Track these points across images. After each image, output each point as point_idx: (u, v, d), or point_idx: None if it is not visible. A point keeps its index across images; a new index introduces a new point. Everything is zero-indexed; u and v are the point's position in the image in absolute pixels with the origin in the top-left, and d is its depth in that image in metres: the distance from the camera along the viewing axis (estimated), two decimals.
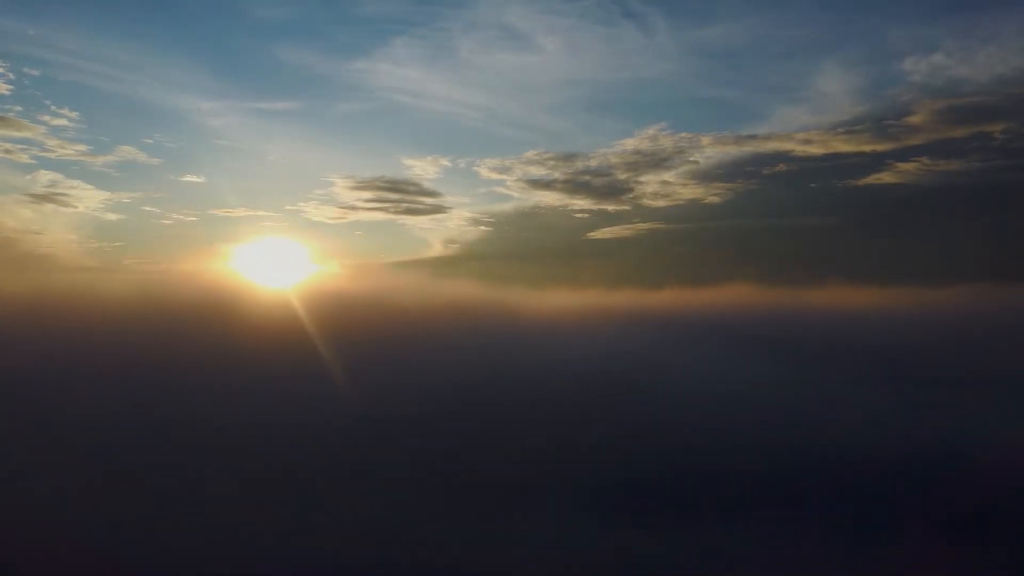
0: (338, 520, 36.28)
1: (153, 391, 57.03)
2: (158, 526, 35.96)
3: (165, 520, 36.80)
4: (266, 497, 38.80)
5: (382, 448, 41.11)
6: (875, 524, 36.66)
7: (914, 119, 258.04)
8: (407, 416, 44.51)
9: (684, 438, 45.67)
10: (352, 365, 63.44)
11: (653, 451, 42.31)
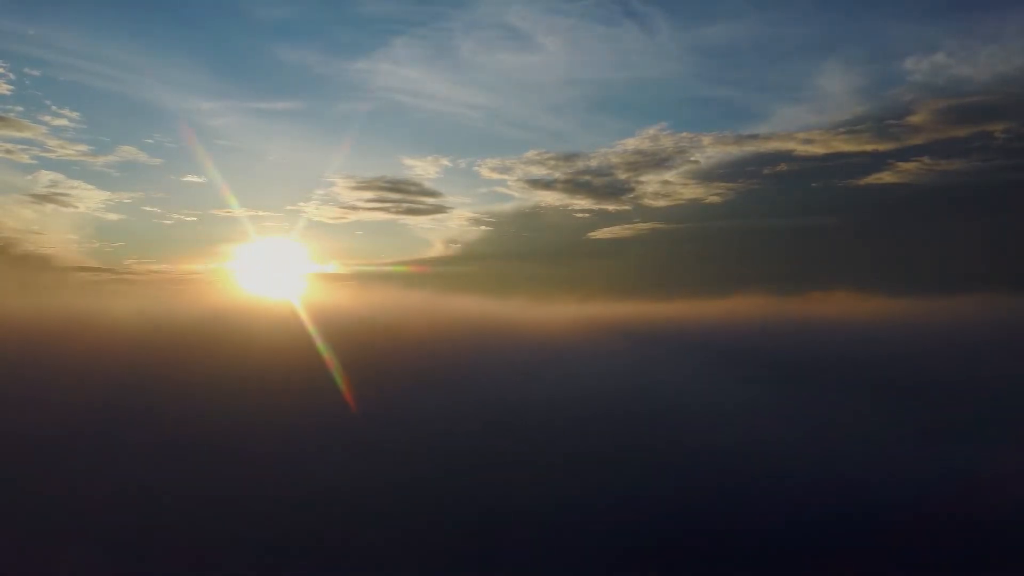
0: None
1: (159, 407, 56.43)
2: (158, 542, 35.75)
3: (165, 534, 36.64)
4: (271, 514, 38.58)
5: (385, 484, 40.39)
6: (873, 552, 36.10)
7: (915, 119, 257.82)
8: (413, 450, 43.77)
9: (680, 466, 44.96)
10: (357, 391, 62.32)
11: (657, 480, 41.73)
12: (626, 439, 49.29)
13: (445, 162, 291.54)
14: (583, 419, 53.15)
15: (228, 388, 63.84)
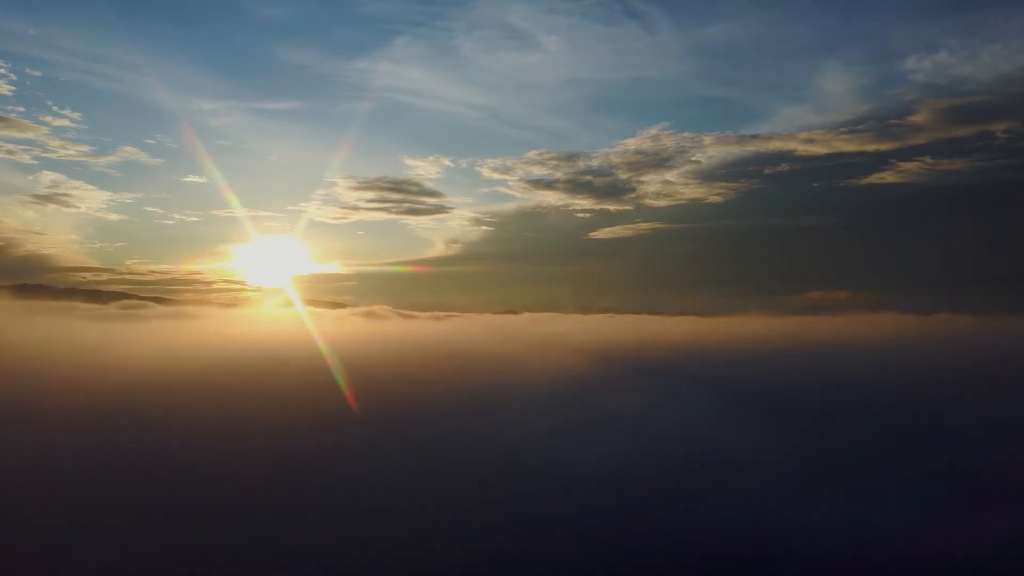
0: None
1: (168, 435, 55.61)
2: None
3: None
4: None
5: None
6: None
7: (917, 118, 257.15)
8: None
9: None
10: (365, 417, 60.68)
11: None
12: (608, 469, 48.56)
13: (446, 162, 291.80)
14: (576, 450, 52.29)
15: (234, 411, 63.39)
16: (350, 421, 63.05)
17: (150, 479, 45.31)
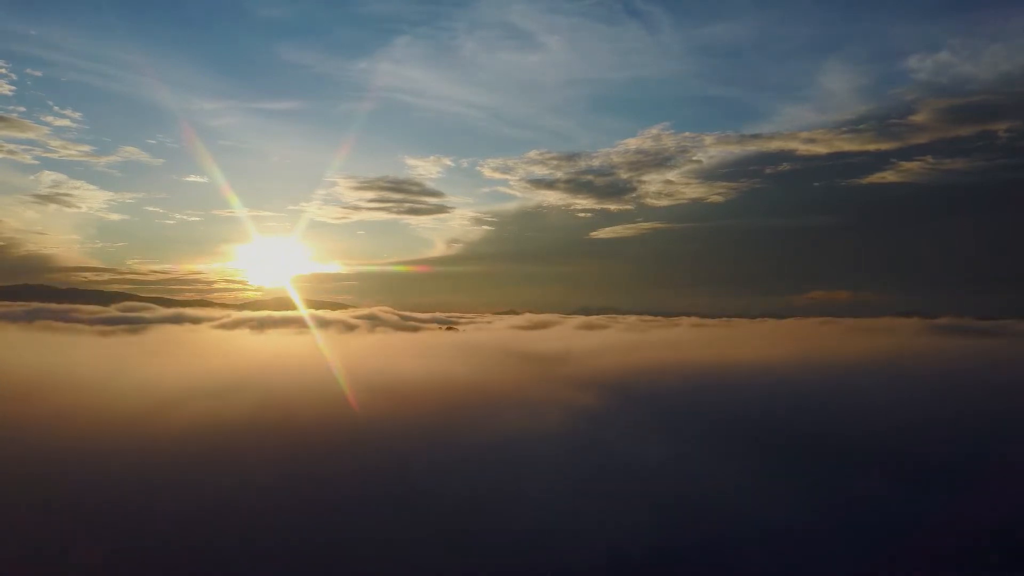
0: None
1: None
2: None
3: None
4: None
5: None
6: None
7: (918, 118, 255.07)
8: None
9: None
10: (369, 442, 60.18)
11: None
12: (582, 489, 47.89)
13: (447, 162, 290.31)
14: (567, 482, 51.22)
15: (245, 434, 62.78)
16: (352, 438, 62.37)
17: (151, 495, 45.09)
